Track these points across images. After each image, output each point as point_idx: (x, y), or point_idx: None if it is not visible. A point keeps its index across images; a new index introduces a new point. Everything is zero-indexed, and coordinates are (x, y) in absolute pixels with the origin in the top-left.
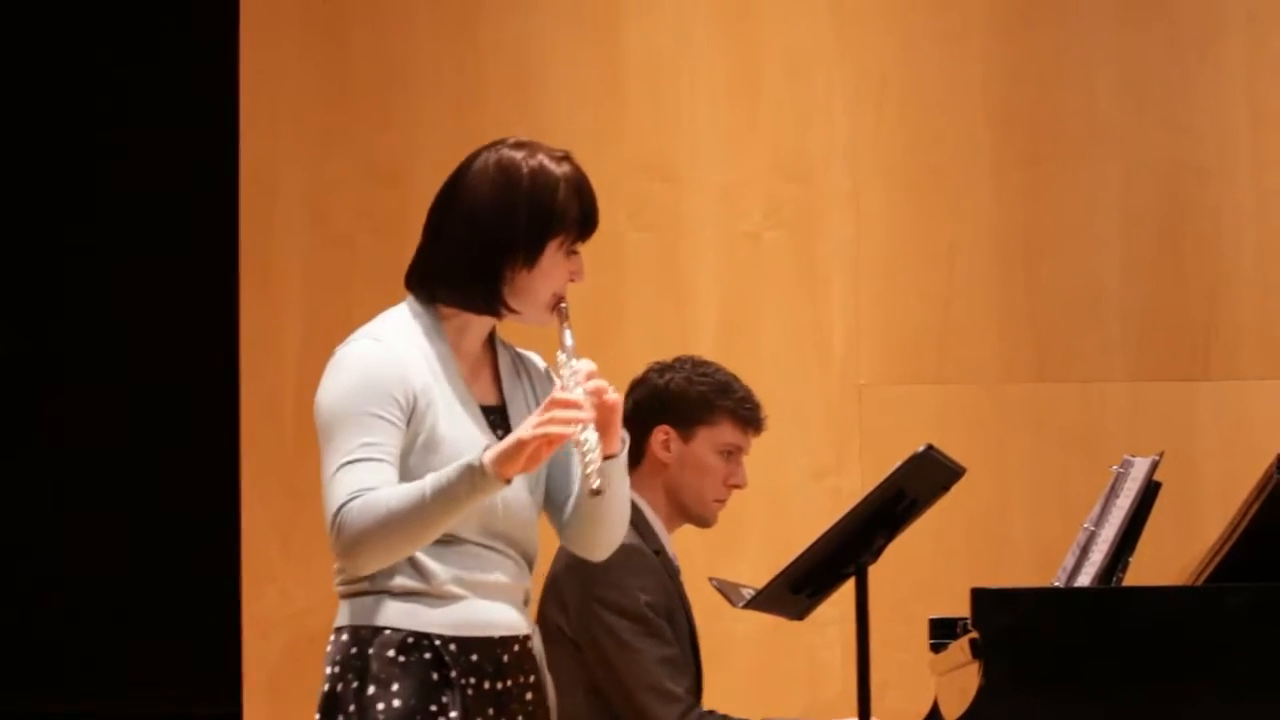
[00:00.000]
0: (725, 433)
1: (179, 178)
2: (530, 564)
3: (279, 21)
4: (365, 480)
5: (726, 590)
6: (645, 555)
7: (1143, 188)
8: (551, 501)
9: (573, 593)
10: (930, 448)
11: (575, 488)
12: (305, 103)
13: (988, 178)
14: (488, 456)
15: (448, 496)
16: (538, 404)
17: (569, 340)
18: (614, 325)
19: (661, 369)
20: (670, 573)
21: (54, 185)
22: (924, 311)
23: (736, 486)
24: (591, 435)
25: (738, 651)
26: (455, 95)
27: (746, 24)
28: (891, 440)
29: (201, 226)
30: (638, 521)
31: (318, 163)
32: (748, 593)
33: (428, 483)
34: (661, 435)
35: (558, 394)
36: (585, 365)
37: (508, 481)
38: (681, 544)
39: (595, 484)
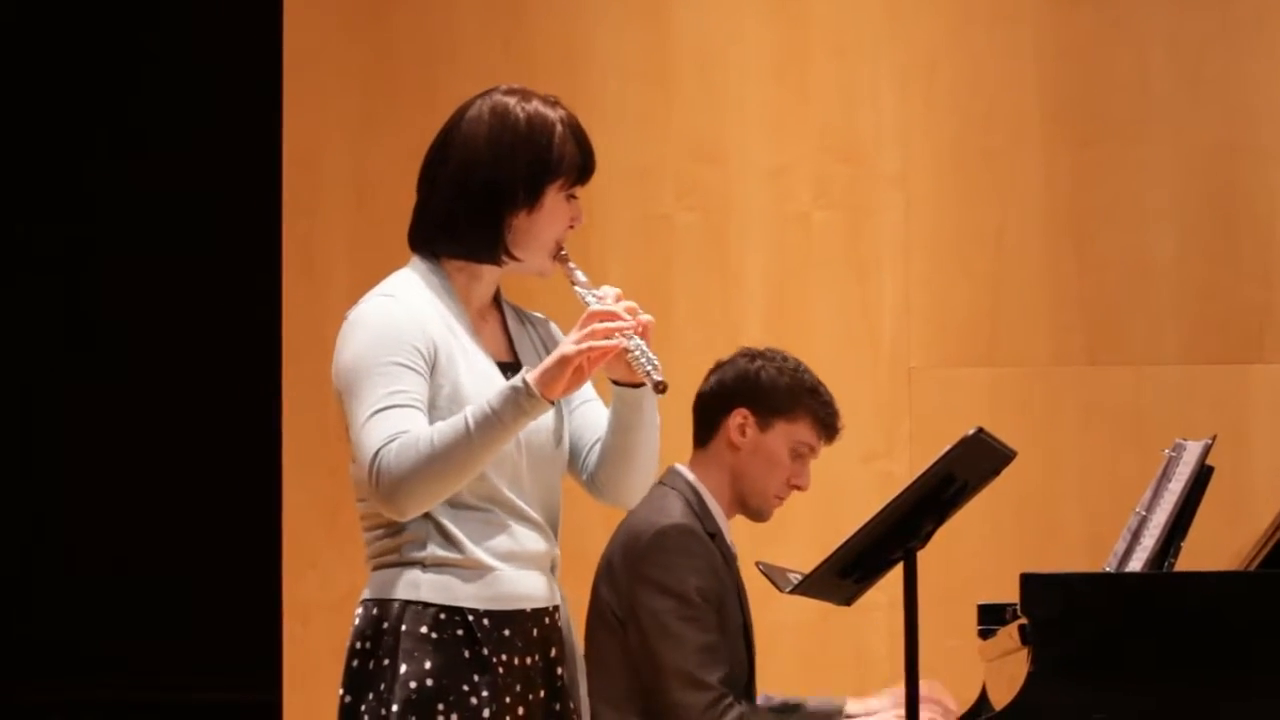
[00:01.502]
0: (802, 431)
1: (223, 160)
2: (555, 531)
3: (323, 1)
4: (399, 424)
5: (773, 575)
6: (699, 538)
7: (1195, 169)
8: (576, 454)
9: (623, 570)
10: (980, 431)
11: (599, 433)
12: (349, 84)
13: (1038, 159)
14: (532, 376)
15: (493, 423)
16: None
17: (582, 276)
18: (662, 307)
19: (753, 355)
20: (726, 558)
21: (102, 169)
22: (974, 294)
23: (798, 488)
24: (638, 340)
25: (785, 637)
26: (501, 76)
27: (796, 4)
28: (941, 423)
29: (245, 208)
30: (696, 504)
31: (362, 144)
32: (795, 577)
33: (469, 413)
34: (739, 418)
35: (595, 308)
36: (611, 290)
37: (552, 403)
38: (731, 528)
39: (659, 377)
